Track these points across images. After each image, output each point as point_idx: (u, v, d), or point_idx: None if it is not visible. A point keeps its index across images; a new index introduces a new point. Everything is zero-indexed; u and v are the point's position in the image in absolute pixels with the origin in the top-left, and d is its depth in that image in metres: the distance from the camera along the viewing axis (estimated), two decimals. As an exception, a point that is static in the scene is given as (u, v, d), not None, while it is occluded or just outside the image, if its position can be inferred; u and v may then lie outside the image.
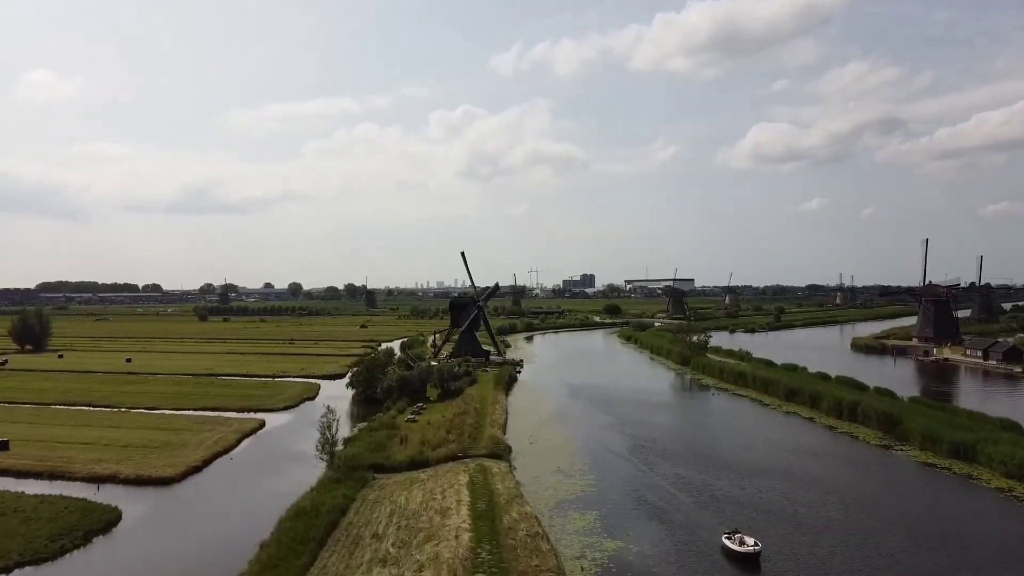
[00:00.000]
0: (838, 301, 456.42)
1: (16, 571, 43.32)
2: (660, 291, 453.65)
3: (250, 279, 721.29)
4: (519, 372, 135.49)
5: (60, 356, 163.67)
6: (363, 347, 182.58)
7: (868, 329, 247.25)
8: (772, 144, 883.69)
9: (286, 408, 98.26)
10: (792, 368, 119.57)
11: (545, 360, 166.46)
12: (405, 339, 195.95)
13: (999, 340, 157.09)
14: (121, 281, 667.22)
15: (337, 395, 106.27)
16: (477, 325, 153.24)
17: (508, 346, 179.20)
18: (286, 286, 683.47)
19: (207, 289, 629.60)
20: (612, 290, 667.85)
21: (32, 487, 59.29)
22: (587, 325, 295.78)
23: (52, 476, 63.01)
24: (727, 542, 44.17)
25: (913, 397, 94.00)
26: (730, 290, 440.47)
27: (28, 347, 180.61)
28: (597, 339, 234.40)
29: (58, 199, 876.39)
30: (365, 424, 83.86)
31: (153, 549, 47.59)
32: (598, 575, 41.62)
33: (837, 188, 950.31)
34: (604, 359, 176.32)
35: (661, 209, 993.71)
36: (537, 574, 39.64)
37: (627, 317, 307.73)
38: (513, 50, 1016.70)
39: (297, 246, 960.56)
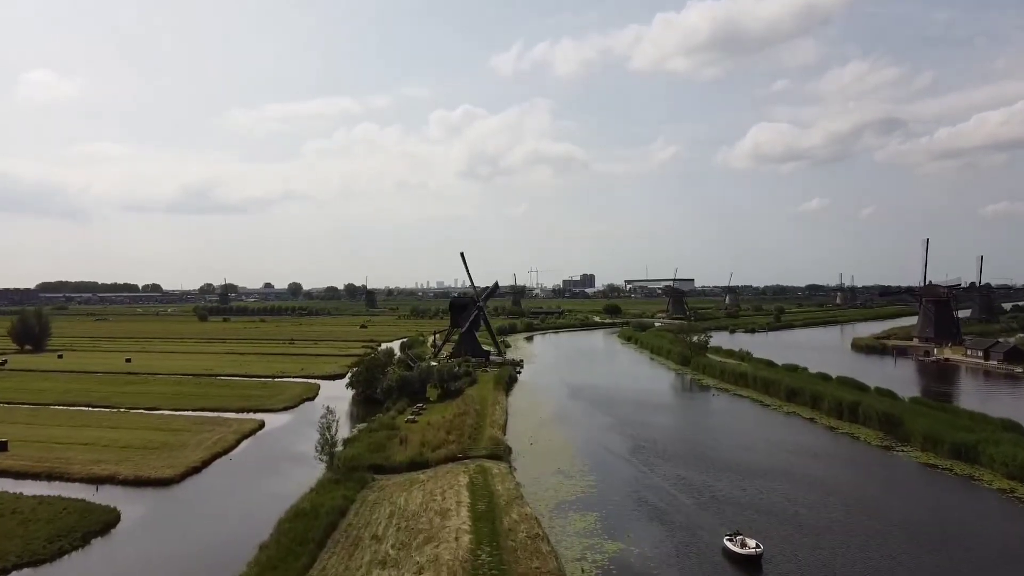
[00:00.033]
0: (838, 301, 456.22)
1: (14, 572, 43.14)
2: (660, 291, 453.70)
3: (250, 279, 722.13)
4: (519, 372, 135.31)
5: (59, 356, 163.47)
6: (363, 347, 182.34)
7: (868, 329, 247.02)
8: (772, 144, 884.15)
9: (285, 409, 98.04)
10: (793, 368, 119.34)
11: (545, 360, 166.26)
12: (405, 339, 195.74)
13: (1000, 340, 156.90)
14: (121, 281, 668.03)
15: (337, 395, 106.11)
16: (477, 325, 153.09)
17: (508, 346, 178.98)
18: (286, 286, 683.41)
19: (207, 289, 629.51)
20: (612, 290, 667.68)
21: (31, 488, 59.11)
22: (587, 325, 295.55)
23: (51, 477, 62.83)
24: (728, 544, 43.97)
25: (914, 398, 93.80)
26: (730, 290, 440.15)
27: (27, 347, 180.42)
28: (597, 339, 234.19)
29: (58, 199, 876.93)
30: (365, 425, 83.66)
31: (152, 550, 47.38)
32: (599, 577, 41.42)
33: (837, 188, 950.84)
34: (604, 359, 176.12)
35: (661, 209, 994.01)
36: (537, 576, 39.45)
37: (627, 317, 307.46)
38: (513, 50, 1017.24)
39: (297, 246, 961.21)
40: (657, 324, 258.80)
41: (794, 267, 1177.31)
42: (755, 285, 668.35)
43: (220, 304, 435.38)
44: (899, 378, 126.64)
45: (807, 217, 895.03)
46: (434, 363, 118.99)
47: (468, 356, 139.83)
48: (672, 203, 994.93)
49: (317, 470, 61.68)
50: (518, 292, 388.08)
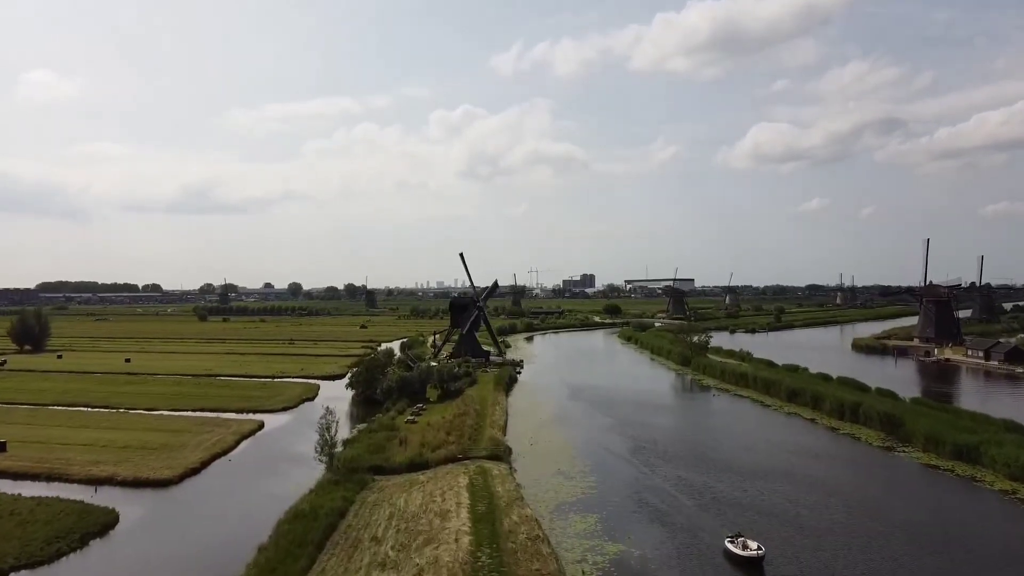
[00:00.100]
0: (838, 301, 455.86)
1: (12, 574, 42.93)
2: (660, 291, 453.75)
3: (250, 279, 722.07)
4: (519, 373, 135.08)
5: (59, 356, 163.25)
6: (363, 347, 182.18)
7: (869, 329, 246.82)
8: (772, 144, 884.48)
9: (285, 409, 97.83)
10: (793, 369, 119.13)
11: (545, 360, 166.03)
12: (405, 339, 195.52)
13: (1000, 340, 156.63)
14: (121, 281, 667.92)
15: (337, 396, 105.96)
16: (477, 326, 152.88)
17: (508, 346, 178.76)
18: (286, 286, 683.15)
19: (207, 289, 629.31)
20: (612, 290, 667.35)
21: (29, 489, 58.96)
22: (587, 325, 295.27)
23: (49, 478, 62.65)
24: (730, 546, 43.73)
25: (915, 398, 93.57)
26: (730, 290, 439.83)
27: (27, 347, 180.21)
28: (597, 339, 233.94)
29: (58, 199, 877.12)
30: (364, 425, 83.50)
31: (150, 552, 47.18)
32: (599, 579, 41.21)
33: (837, 188, 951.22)
34: (604, 360, 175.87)
35: (661, 209, 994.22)
36: (538, 578, 39.22)
37: (627, 317, 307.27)
38: (513, 50, 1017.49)
39: (297, 246, 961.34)
40: (657, 324, 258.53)
41: (794, 267, 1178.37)
42: (755, 285, 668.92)
43: (220, 304, 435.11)
44: (900, 378, 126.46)
45: (807, 217, 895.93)
46: (434, 363, 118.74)
47: (468, 356, 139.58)
48: (672, 203, 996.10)
49: (316, 471, 61.48)
50: (518, 292, 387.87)
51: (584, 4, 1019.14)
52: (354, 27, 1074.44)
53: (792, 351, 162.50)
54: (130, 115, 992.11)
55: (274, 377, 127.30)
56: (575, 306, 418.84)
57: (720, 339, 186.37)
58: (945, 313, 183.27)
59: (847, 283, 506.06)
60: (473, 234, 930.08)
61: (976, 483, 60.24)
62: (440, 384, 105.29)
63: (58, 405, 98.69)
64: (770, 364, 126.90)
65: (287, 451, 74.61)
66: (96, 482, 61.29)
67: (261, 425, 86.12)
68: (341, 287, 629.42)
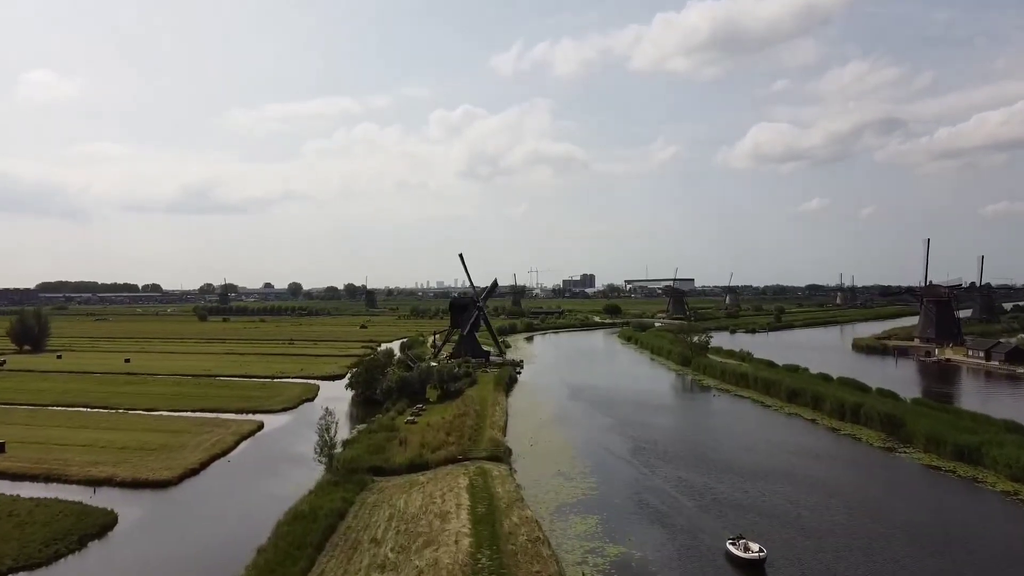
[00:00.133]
0: (838, 301, 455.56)
1: (10, 576, 42.79)
2: (660, 291, 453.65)
3: (250, 279, 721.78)
4: (519, 373, 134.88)
5: (58, 356, 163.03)
6: (363, 347, 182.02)
7: (869, 329, 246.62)
8: (772, 144, 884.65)
9: (285, 409, 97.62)
10: (794, 369, 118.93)
11: (545, 361, 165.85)
12: (405, 339, 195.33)
13: (1001, 341, 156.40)
14: (121, 281, 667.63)
15: (336, 396, 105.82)
16: (477, 326, 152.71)
17: (508, 346, 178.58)
18: (286, 286, 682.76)
19: (207, 289, 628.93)
20: (612, 290, 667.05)
21: (28, 490, 58.77)
22: (587, 325, 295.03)
23: (48, 479, 62.47)
24: (731, 548, 43.52)
25: (916, 399, 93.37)
26: (730, 290, 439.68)
27: (26, 347, 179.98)
28: (597, 339, 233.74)
29: (58, 199, 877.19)
30: (364, 426, 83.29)
31: (149, 554, 46.99)
32: (600, 581, 41.03)
33: (837, 188, 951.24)
34: (604, 360, 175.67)
35: (661, 209, 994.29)
36: (538, 580, 39.03)
37: (627, 317, 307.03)
38: (513, 50, 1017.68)
39: (297, 246, 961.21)
40: (657, 324, 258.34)
41: (794, 267, 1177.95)
42: (755, 285, 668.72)
43: (220, 304, 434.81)
44: (900, 379, 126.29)
45: (807, 217, 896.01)
46: (434, 364, 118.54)
47: (468, 357, 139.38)
48: (672, 203, 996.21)
49: (316, 472, 61.27)
50: (518, 292, 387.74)
51: (584, 4, 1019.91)
52: (354, 27, 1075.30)
53: (792, 351, 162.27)
54: (130, 115, 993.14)
55: (274, 377, 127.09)
56: (575, 306, 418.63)
57: (720, 339, 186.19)
58: (946, 313, 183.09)
59: (847, 283, 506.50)
60: (473, 234, 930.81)
61: (978, 484, 60.04)
62: (440, 384, 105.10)
63: (57, 405, 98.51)
64: (770, 364, 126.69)
65: (286, 452, 74.40)
66: (95, 483, 61.10)
67: (260, 426, 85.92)
68: (341, 287, 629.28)
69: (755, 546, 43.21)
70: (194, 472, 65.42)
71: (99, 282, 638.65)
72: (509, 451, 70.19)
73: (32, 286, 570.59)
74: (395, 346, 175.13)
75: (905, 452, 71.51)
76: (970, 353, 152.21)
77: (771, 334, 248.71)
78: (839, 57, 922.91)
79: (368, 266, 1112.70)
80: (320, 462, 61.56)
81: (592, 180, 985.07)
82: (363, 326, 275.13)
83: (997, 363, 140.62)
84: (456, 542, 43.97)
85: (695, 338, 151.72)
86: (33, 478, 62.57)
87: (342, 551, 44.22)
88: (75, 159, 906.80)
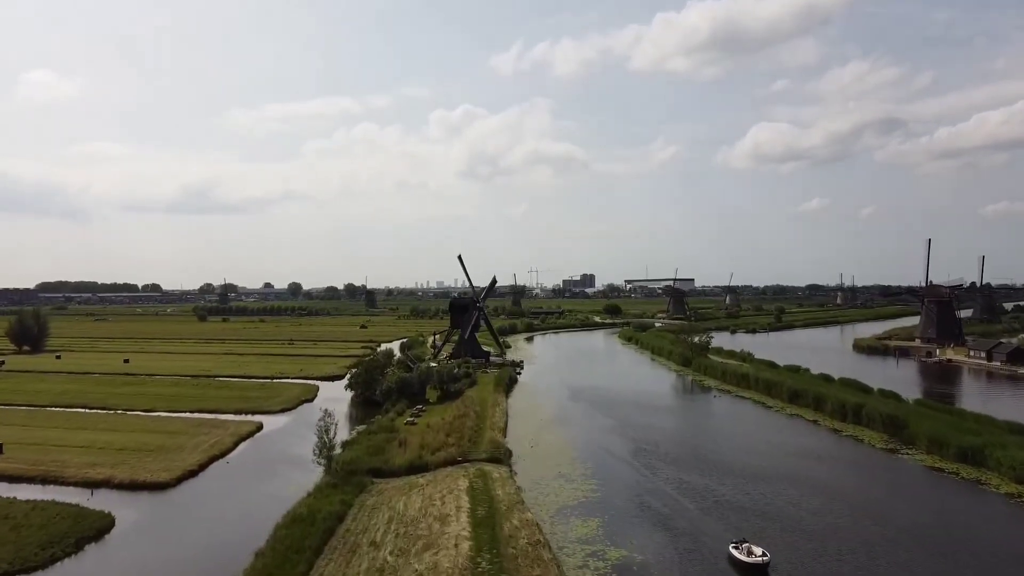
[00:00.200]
0: (839, 301, 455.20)
1: (5, 580, 42.36)
2: (660, 291, 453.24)
3: (250, 279, 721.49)
4: (519, 373, 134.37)
5: (58, 357, 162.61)
6: (362, 348, 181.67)
7: (869, 329, 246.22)
8: (772, 144, 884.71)
9: (284, 410, 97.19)
10: (795, 369, 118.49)
11: (545, 361, 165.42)
12: (405, 340, 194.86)
13: (1002, 341, 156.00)
14: (121, 281, 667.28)
15: (336, 397, 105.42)
16: (477, 327, 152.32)
17: (509, 347, 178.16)
18: (286, 286, 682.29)
19: (207, 289, 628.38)
20: (612, 290, 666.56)
21: (24, 492, 58.37)
22: (587, 325, 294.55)
23: (45, 481, 62.04)
24: (734, 552, 43.05)
25: (918, 399, 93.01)
26: (730, 290, 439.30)
27: (26, 348, 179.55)
28: (597, 340, 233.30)
29: (58, 199, 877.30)
30: (363, 427, 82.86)
31: (146, 557, 46.57)
32: (601, 585, 40.61)
33: (837, 188, 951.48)
34: (605, 360, 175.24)
35: (661, 209, 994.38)
36: (539, 584, 38.63)
37: (627, 317, 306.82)
38: (513, 50, 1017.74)
39: (297, 246, 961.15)
40: (657, 324, 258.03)
41: (794, 267, 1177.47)
42: (755, 285, 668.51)
43: (219, 304, 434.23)
44: (902, 379, 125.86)
45: (807, 217, 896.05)
46: (434, 364, 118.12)
47: (468, 357, 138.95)
48: (672, 203, 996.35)
49: (315, 473, 60.86)
50: (518, 292, 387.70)
51: (584, 4, 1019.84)
52: (354, 27, 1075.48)
53: (793, 351, 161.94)
54: (130, 115, 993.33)
55: (273, 378, 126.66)
56: (575, 306, 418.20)
57: (721, 339, 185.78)
58: (947, 313, 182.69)
59: (847, 283, 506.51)
60: (473, 234, 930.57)
61: (981, 486, 59.63)
62: (440, 385, 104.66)
63: (56, 406, 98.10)
64: (771, 365, 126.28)
65: (285, 453, 73.96)
66: (92, 485, 60.66)
67: (260, 427, 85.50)
68: (341, 287, 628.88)
69: (758, 550, 42.76)
70: (192, 474, 64.99)
71: (99, 282, 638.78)
72: (509, 452, 69.75)
73: (32, 286, 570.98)
74: (395, 346, 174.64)
75: (908, 454, 71.08)
76: (971, 354, 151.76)
77: (771, 334, 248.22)
78: (839, 57, 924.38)
79: (368, 266, 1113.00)
80: (319, 464, 61.12)
81: (592, 180, 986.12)
82: (363, 326, 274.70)
83: (999, 364, 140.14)
84: (456, 545, 43.58)
85: (695, 338, 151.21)
86: (30, 480, 62.18)
87: (341, 554, 43.78)
88: (75, 159, 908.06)
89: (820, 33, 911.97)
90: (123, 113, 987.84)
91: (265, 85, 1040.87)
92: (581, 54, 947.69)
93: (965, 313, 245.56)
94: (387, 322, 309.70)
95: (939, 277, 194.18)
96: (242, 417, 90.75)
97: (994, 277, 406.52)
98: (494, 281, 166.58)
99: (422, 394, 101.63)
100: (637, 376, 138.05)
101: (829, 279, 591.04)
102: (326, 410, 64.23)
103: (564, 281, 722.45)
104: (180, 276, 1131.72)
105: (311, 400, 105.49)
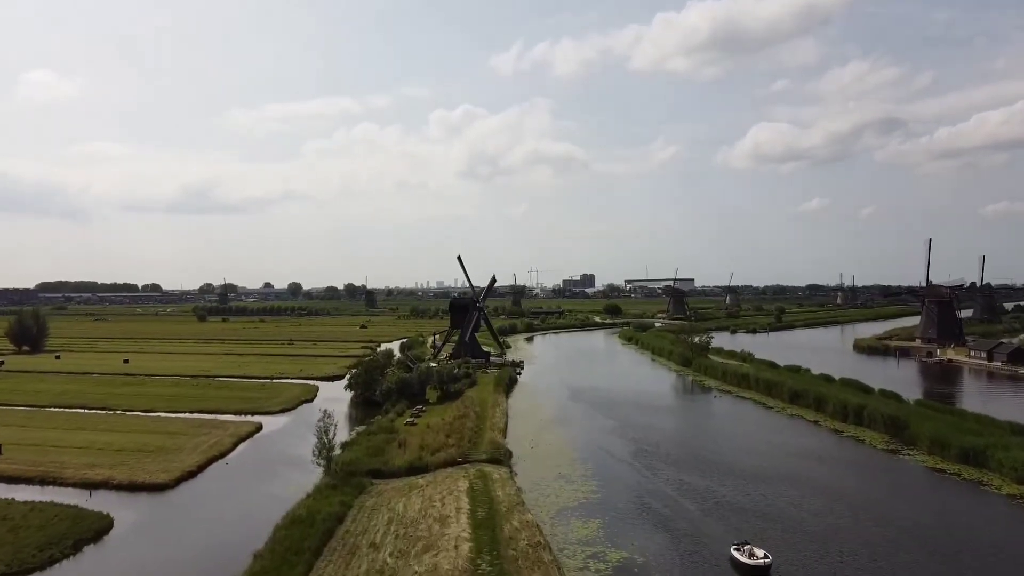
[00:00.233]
0: (839, 301, 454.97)
1: (3, 582, 42.15)
2: (660, 291, 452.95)
3: (250, 279, 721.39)
4: (519, 374, 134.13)
5: (57, 357, 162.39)
6: (362, 348, 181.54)
7: (870, 330, 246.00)
8: (772, 144, 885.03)
9: (283, 411, 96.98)
10: (795, 370, 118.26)
11: (545, 361, 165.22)
12: (404, 340, 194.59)
13: (1003, 341, 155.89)
14: (121, 281, 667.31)
15: (335, 397, 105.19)
16: (477, 327, 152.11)
17: (509, 347, 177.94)
18: (286, 286, 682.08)
19: (207, 289, 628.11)
20: (612, 290, 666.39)
21: (23, 493, 58.14)
22: (587, 325, 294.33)
23: (44, 482, 61.82)
24: (736, 554, 42.78)
25: (919, 400, 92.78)
26: (731, 290, 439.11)
27: (25, 348, 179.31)
28: (598, 340, 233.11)
29: (58, 199, 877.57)
30: (363, 427, 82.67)
31: (144, 558, 46.36)
32: (602, 587, 40.40)
33: (837, 188, 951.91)
34: (605, 360, 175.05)
35: (661, 209, 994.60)
36: (539, 587, 38.42)
37: (627, 317, 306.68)
38: (513, 50, 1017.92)
39: (297, 246, 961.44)
40: (658, 324, 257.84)
41: (794, 267, 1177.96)
42: (755, 285, 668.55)
43: (219, 304, 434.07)
44: (903, 379, 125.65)
45: (807, 217, 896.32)
46: (433, 364, 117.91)
47: (468, 357, 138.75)
48: (672, 203, 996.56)
49: (314, 474, 60.62)
50: (518, 292, 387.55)
51: (584, 4, 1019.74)
52: (354, 27, 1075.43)
53: (793, 352, 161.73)
54: (130, 115, 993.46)
55: (273, 378, 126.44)
56: (575, 306, 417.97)
57: (721, 339, 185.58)
58: (947, 313, 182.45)
59: (847, 283, 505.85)
60: (473, 234, 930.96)
61: (983, 487, 59.43)
62: (440, 385, 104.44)
63: (55, 406, 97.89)
64: (772, 365, 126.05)
65: (285, 454, 73.74)
66: (91, 486, 60.45)
67: (259, 427, 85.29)
68: (341, 287, 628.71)
69: (760, 552, 42.51)
70: (191, 475, 64.75)
71: (99, 282, 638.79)
72: (509, 453, 69.54)
73: (32, 286, 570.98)
74: (395, 346, 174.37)
75: (909, 454, 70.85)
76: (972, 354, 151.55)
77: (772, 334, 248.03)
78: (839, 57, 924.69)
79: (368, 266, 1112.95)
80: (318, 464, 60.88)
81: (592, 180, 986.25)
82: (363, 326, 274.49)
83: (999, 364, 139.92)
84: (456, 547, 43.38)
85: (696, 339, 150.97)
86: (28, 481, 61.96)
87: (340, 556, 43.56)
88: (75, 159, 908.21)
89: (820, 33, 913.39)
90: (123, 113, 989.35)
91: (265, 85, 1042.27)
92: (581, 54, 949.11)
93: (965, 313, 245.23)
94: (387, 322, 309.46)
95: (939, 277, 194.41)
96: (242, 418, 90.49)
97: (994, 277, 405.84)
98: (493, 280, 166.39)
99: (422, 394, 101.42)
100: (637, 376, 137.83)
101: (829, 279, 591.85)
102: (325, 411, 64.01)
103: (564, 281, 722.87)
104: (180, 276, 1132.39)
105: (311, 400, 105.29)
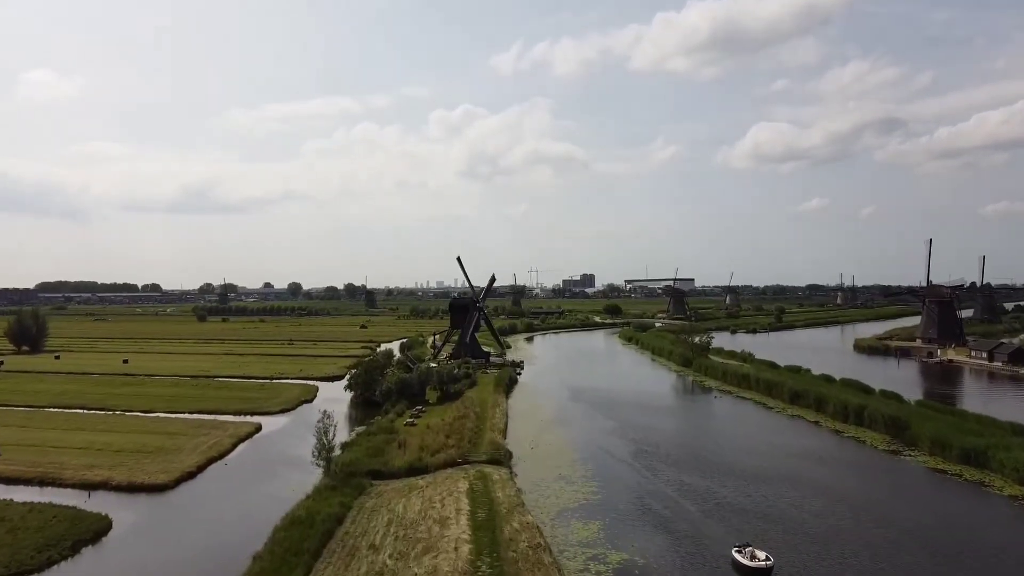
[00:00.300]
0: (839, 301, 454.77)
1: (1, 584, 41.97)
2: (660, 291, 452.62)
3: (250, 279, 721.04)
4: (519, 374, 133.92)
5: (56, 357, 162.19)
6: (362, 348, 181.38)
7: (870, 330, 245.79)
8: (772, 144, 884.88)
9: (283, 411, 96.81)
10: (796, 370, 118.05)
11: (546, 361, 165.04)
12: (404, 340, 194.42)
13: (1004, 341, 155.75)
14: (121, 281, 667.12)
15: (335, 397, 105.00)
16: (478, 328, 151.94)
17: (509, 347, 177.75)
18: (286, 286, 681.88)
19: (206, 289, 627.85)
20: (612, 290, 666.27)
21: (21, 494, 57.91)
22: (587, 325, 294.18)
23: (42, 483, 61.66)
24: (738, 556, 42.56)
25: (920, 400, 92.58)
26: (731, 290, 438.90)
27: (25, 348, 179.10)
28: (598, 340, 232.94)
29: (58, 199, 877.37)
30: (363, 428, 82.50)
31: (143, 560, 46.17)
32: (602, 589, 40.22)
33: (837, 188, 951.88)
34: (605, 360, 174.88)
35: (661, 209, 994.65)
36: (539, 589, 38.24)
37: (627, 317, 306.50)
38: (513, 50, 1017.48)
39: (297, 246, 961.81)
40: (658, 324, 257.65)
41: (794, 267, 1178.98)
42: (755, 285, 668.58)
43: (219, 304, 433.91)
44: (903, 380, 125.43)
45: (807, 217, 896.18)
46: (434, 365, 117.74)
47: (468, 357, 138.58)
48: (672, 203, 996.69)
49: (314, 475, 60.45)
50: (518, 292, 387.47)
51: (584, 4, 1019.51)
52: (354, 27, 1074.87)
53: (794, 352, 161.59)
54: (130, 115, 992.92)
55: (272, 378, 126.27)
56: (575, 306, 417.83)
57: (721, 339, 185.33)
58: (948, 314, 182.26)
59: (847, 283, 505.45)
60: (473, 234, 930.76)
61: (985, 488, 59.25)
62: (440, 386, 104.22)
63: (54, 407, 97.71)
64: (772, 365, 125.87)
65: (284, 454, 73.54)
66: (90, 487, 60.27)
67: (259, 428, 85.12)
68: (341, 287, 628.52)
69: (762, 554, 42.28)
70: (191, 475, 64.57)
71: (99, 282, 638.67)
72: (509, 454, 69.35)
73: (32, 286, 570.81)
74: (395, 347, 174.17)
75: (910, 455, 70.65)
76: (973, 354, 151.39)
77: (772, 334, 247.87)
78: (839, 57, 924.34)
79: (368, 266, 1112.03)
80: (318, 465, 60.69)
81: (592, 180, 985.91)
82: (363, 326, 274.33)
83: (1000, 364, 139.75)
84: (456, 549, 43.19)
85: (696, 339, 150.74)
86: (27, 482, 61.76)
87: (339, 558, 43.37)
88: (75, 159, 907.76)
89: (820, 33, 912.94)
90: (123, 113, 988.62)
91: (265, 85, 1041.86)
92: (581, 54, 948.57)
93: (966, 313, 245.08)
94: (387, 322, 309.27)
95: (939, 277, 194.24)
96: (241, 418, 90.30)
97: (994, 277, 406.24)
98: (492, 279, 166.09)
99: (422, 395, 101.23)
100: (637, 377, 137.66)
101: (829, 279, 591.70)
102: (325, 411, 63.83)
103: (564, 281, 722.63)
104: (180, 276, 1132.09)
105: (310, 401, 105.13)
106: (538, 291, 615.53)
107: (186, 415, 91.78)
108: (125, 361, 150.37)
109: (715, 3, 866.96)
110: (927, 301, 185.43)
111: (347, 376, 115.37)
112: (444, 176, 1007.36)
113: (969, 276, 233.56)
